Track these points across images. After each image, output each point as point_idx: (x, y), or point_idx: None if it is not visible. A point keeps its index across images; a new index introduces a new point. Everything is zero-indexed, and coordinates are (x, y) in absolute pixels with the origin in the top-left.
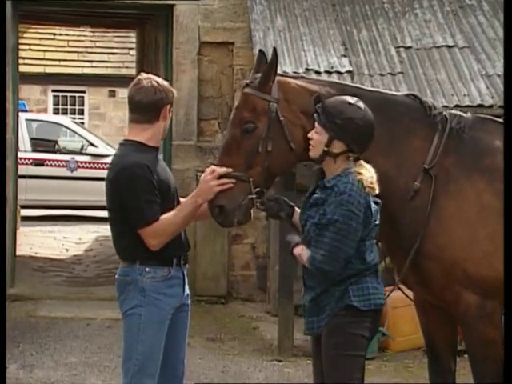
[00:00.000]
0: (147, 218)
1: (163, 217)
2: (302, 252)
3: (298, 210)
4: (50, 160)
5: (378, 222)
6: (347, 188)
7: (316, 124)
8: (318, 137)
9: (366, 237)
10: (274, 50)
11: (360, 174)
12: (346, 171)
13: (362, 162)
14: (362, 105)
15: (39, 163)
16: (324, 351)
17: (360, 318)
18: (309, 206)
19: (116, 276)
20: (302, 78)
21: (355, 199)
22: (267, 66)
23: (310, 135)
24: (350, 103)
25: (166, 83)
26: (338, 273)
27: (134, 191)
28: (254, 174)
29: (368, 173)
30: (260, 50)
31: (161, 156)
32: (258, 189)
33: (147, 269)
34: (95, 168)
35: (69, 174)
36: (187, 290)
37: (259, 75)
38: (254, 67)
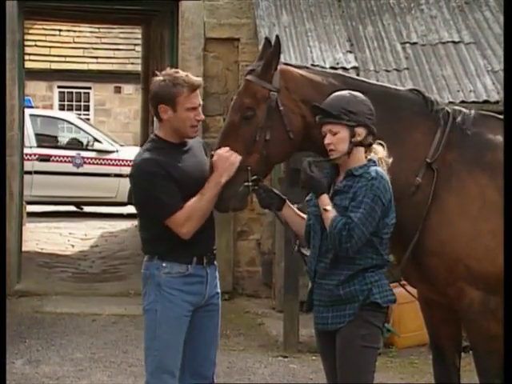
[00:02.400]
0: (169, 208)
1: (187, 203)
2: (328, 207)
3: (289, 203)
4: (55, 156)
5: (394, 221)
6: (378, 174)
7: (327, 127)
8: (338, 136)
9: (384, 229)
10: (277, 38)
11: (380, 159)
12: (371, 161)
13: (373, 145)
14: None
15: (45, 159)
16: (347, 343)
17: (379, 312)
18: (332, 194)
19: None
20: (306, 68)
21: (384, 187)
22: (270, 54)
23: (327, 141)
24: (343, 94)
25: (176, 76)
26: (350, 251)
27: (148, 186)
28: (252, 161)
29: (383, 151)
30: (266, 38)
31: (191, 149)
32: (255, 176)
33: (164, 264)
34: (101, 164)
35: (74, 169)
36: (216, 290)
37: (262, 62)
38: (259, 54)
